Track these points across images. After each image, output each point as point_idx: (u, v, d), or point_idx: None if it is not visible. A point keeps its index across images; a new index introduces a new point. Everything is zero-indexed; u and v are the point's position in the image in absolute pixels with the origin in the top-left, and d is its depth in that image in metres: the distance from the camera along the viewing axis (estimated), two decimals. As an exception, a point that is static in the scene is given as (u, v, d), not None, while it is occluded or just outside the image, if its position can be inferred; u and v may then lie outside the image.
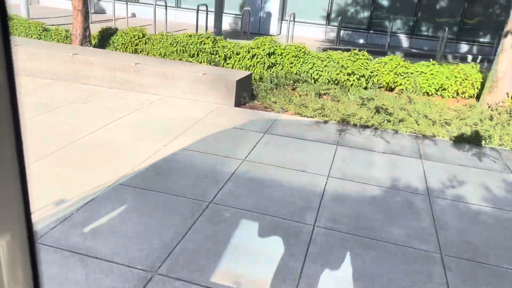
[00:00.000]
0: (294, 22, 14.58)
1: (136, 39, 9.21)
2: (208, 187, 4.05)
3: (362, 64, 8.22)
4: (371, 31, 16.90)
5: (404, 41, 16.45)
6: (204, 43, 8.86)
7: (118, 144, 4.89)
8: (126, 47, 9.17)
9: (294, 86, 7.98)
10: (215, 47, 8.83)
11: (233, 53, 8.72)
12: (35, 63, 7.46)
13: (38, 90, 6.77)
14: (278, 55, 8.54)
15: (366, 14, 16.99)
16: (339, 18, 14.56)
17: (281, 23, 17.90)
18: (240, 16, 17.74)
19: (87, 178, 4.03)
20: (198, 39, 8.90)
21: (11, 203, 0.66)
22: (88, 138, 4.99)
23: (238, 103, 6.86)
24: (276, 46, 8.57)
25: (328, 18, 17.28)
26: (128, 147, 4.83)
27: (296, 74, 8.36)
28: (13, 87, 0.64)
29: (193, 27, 15.40)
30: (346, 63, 8.19)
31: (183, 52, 8.85)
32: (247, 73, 7.39)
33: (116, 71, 7.13)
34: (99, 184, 3.91)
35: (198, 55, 8.83)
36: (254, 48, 8.56)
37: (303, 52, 8.51)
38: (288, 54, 8.50)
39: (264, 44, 8.55)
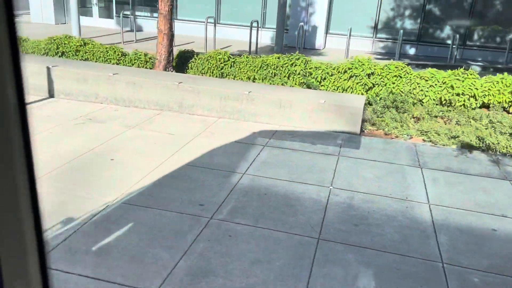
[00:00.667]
0: (350, 36, 14.15)
1: (221, 63, 8.82)
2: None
3: (471, 83, 7.77)
4: (422, 42, 16.47)
5: (469, 53, 15.83)
6: (295, 65, 8.46)
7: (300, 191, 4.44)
8: (212, 71, 8.79)
9: (403, 109, 7.53)
10: (307, 69, 8.43)
11: (327, 74, 8.30)
12: (134, 91, 7.07)
13: (148, 122, 6.36)
14: (378, 75, 8.11)
15: (416, 24, 16.56)
16: (401, 31, 14.14)
17: (326, 36, 17.52)
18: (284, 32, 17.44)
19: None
20: (289, 60, 8.51)
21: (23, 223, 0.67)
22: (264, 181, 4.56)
23: (360, 130, 6.42)
24: (375, 66, 8.15)
25: (375, 29, 16.87)
26: (306, 194, 4.38)
27: (398, 95, 7.91)
28: (23, 107, 0.66)
29: (237, 43, 15.08)
30: (455, 83, 7.74)
31: (274, 75, 8.45)
32: (363, 97, 6.96)
33: (228, 100, 6.71)
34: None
35: (289, 77, 8.43)
36: (351, 68, 8.14)
37: (405, 71, 8.08)
38: (388, 74, 8.07)
39: (363, 64, 8.13)
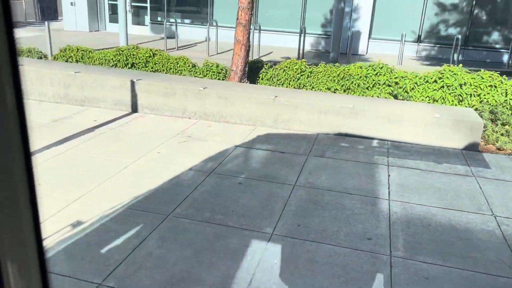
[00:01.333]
0: (404, 42, 13.68)
1: (298, 73, 8.47)
2: None
3: None
4: (470, 47, 15.96)
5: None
6: (379, 74, 8.07)
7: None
8: (289, 82, 8.43)
9: (504, 121, 7.09)
10: (392, 78, 8.03)
11: (415, 84, 7.90)
12: (225, 106, 6.73)
13: (250, 139, 6.01)
14: (470, 85, 7.69)
15: (462, 29, 16.04)
16: (456, 37, 13.66)
17: (368, 42, 17.09)
18: (324, 36, 17.08)
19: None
20: (372, 70, 8.12)
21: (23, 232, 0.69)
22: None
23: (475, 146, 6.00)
24: (467, 76, 7.73)
25: (419, 34, 16.39)
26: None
27: (494, 106, 7.48)
28: (22, 110, 0.68)
29: (277, 50, 14.74)
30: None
31: (357, 85, 8.06)
32: (470, 110, 6.55)
33: (328, 114, 6.35)
34: None
35: (373, 87, 8.04)
36: (442, 78, 7.73)
37: (499, 81, 7.65)
38: (482, 84, 7.65)
39: (455, 74, 7.72)
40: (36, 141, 5.60)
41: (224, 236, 3.64)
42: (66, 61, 9.12)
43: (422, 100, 7.86)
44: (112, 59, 8.96)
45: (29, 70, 7.53)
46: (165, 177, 4.74)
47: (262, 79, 8.96)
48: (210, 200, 4.25)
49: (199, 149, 5.60)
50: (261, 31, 17.17)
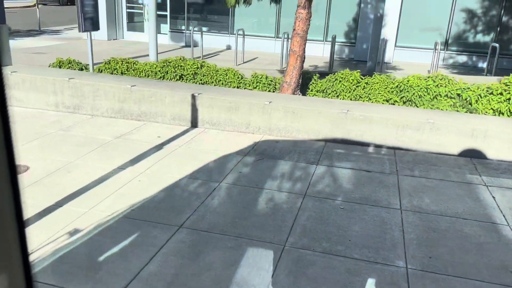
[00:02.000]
0: (438, 50, 13.40)
1: (353, 84, 8.21)
2: None
3: None
4: (500, 55, 15.69)
5: None
6: (440, 86, 7.81)
7: None
8: (345, 94, 8.17)
9: None
10: (454, 90, 7.76)
11: (479, 96, 7.63)
12: (292, 121, 6.45)
13: (321, 156, 5.73)
14: (541, 96, 7.42)
15: (490, 37, 15.80)
16: (491, 45, 13.40)
17: (394, 49, 16.84)
18: (348, 45, 16.84)
19: None
20: (433, 81, 7.86)
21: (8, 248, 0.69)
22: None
23: None
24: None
25: (446, 42, 16.15)
26: None
27: None
28: (6, 115, 0.67)
29: (308, 59, 14.50)
30: None
31: (418, 97, 7.79)
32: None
33: (406, 129, 6.07)
34: None
35: (433, 99, 7.77)
36: (509, 90, 7.47)
37: None
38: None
39: (522, 85, 7.46)
40: (107, 160, 5.32)
41: (358, 271, 3.34)
42: (112, 73, 8.86)
43: (486, 112, 7.60)
44: (159, 71, 8.69)
45: (81, 83, 7.25)
46: (262, 201, 4.45)
47: (312, 90, 8.70)
48: (320, 228, 3.96)
49: (280, 169, 5.31)
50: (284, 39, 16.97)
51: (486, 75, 13.63)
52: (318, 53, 16.21)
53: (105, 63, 8.99)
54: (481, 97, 7.65)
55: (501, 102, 7.53)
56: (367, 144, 6.26)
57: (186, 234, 3.79)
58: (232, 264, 3.38)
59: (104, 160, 5.36)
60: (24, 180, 4.71)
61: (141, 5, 18.60)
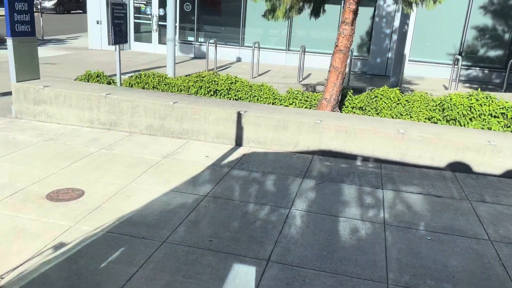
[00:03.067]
0: (459, 67, 13.30)
1: (393, 102, 8.03)
2: None
3: None
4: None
5: None
6: (483, 104, 7.65)
7: None
8: (385, 112, 7.98)
9: None
10: (497, 108, 7.61)
11: (529, 116, 7.48)
12: (345, 140, 6.23)
13: (381, 178, 5.49)
14: None
15: (505, 51, 15.82)
16: (511, 62, 13.36)
17: (408, 64, 16.78)
18: (361, 58, 16.76)
19: None
20: (476, 99, 7.70)
21: None
22: None
23: None
24: None
25: (459, 57, 16.13)
26: None
27: None
28: None
29: (315, 71, 14.36)
30: None
31: (462, 116, 7.63)
32: None
33: (466, 151, 5.87)
34: None
35: (476, 118, 7.61)
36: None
37: None
38: None
39: None
40: (163, 183, 5.02)
41: (479, 314, 3.10)
42: (143, 87, 8.57)
43: (532, 131, 7.45)
44: (192, 85, 8.43)
45: (119, 99, 6.96)
46: (343, 231, 4.19)
47: (347, 106, 8.50)
48: (416, 263, 3.71)
49: (346, 194, 5.06)
50: (292, 52, 16.84)
51: (504, 91, 13.59)
52: (324, 66, 16.12)
53: (136, 77, 8.71)
54: (525, 116, 7.50)
55: (547, 121, 7.39)
56: (425, 167, 6.04)
57: (278, 270, 3.51)
58: (340, 306, 3.11)
59: (160, 183, 5.06)
60: (83, 206, 4.40)
61: (149, 16, 18.37)
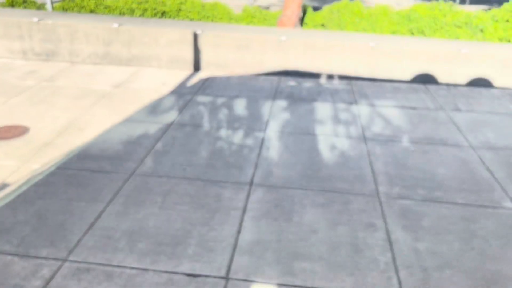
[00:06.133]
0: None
1: (357, 16, 7.61)
2: None
3: None
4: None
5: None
6: (446, 15, 7.44)
7: None
8: (346, 26, 7.57)
9: None
10: (460, 18, 7.44)
11: (486, 24, 7.38)
12: (313, 57, 5.83)
13: (355, 95, 5.24)
14: (543, 23, 7.29)
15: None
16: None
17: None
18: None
19: None
20: (439, 10, 7.46)
21: None
22: None
23: None
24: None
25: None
26: None
27: None
28: None
29: None
30: None
31: (428, 27, 7.38)
32: None
33: (437, 61, 5.67)
34: None
35: (441, 29, 7.42)
36: (516, 17, 7.26)
37: None
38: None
39: (529, 11, 7.27)
40: (120, 113, 4.46)
41: (473, 218, 2.99)
42: (79, 12, 7.55)
43: (492, 41, 7.40)
44: (137, 8, 7.52)
45: (55, 25, 6.04)
46: (324, 149, 3.93)
47: (308, 24, 8.01)
48: (404, 174, 3.54)
49: (321, 112, 4.77)
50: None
51: (460, 4, 13.52)
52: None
53: (69, 0, 7.62)
54: (488, 26, 7.41)
55: (507, 30, 7.34)
56: (396, 81, 5.83)
57: (264, 192, 3.21)
58: (336, 224, 2.89)
59: (116, 114, 4.49)
60: (30, 143, 3.80)
61: None
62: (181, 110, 4.69)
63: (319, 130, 4.31)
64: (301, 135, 4.19)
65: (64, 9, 7.61)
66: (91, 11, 7.62)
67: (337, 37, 6.16)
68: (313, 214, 2.98)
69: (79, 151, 3.71)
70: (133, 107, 4.69)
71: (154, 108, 4.71)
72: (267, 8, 11.59)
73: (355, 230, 2.84)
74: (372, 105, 5.00)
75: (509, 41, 7.32)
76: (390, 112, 4.82)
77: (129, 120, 4.37)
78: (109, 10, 7.64)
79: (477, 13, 7.52)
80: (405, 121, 4.59)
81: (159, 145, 3.87)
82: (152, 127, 4.23)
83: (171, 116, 4.52)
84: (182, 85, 5.51)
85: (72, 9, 7.61)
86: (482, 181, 3.47)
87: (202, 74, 5.95)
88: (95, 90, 5.16)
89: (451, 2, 7.65)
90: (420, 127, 4.44)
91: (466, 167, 3.68)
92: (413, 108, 4.94)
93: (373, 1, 13.23)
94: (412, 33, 7.45)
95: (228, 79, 5.81)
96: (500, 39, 7.31)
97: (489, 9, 7.75)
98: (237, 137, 4.10)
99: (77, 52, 6.16)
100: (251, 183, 3.33)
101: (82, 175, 3.35)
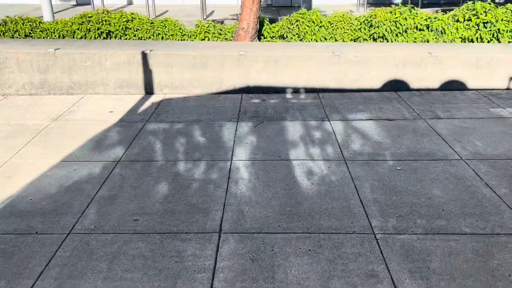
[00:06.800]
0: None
1: (316, 25, 7.21)
2: None
3: None
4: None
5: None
6: (407, 18, 7.18)
7: None
8: (305, 35, 7.15)
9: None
10: (421, 21, 7.20)
11: (449, 25, 7.17)
12: (275, 72, 5.33)
13: (320, 110, 4.76)
14: (502, 20, 7.18)
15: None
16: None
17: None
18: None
19: None
20: (400, 13, 7.19)
21: None
22: None
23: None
24: (497, 10, 7.19)
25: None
26: None
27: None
28: None
29: (218, 8, 13.21)
30: None
31: (389, 32, 7.08)
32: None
33: (406, 65, 5.31)
34: None
35: (404, 33, 7.14)
36: (477, 14, 7.09)
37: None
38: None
39: (489, 10, 7.13)
40: (59, 153, 3.76)
41: (488, 251, 2.52)
42: (12, 37, 6.74)
43: (454, 41, 7.21)
44: (78, 29, 6.80)
45: (-21, 53, 5.25)
46: (301, 177, 3.38)
47: (266, 37, 7.56)
48: (396, 200, 3.05)
49: (291, 132, 4.25)
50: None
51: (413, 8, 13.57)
52: (232, 2, 14.85)
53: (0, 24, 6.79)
54: (450, 26, 7.21)
55: (469, 28, 7.17)
56: (366, 90, 5.43)
57: (236, 242, 2.61)
58: (329, 278, 2.33)
59: (53, 153, 3.78)
60: None
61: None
62: (130, 142, 4.03)
63: (293, 154, 3.78)
64: (273, 161, 3.64)
65: (-6, 35, 6.78)
66: (27, 36, 6.83)
67: (299, 48, 5.70)
68: (300, 266, 2.42)
69: (2, 208, 2.98)
70: (74, 143, 4.00)
71: (98, 143, 4.03)
72: (221, 22, 11.13)
73: (354, 284, 2.29)
74: (345, 120, 4.53)
75: (471, 40, 7.15)
76: (366, 126, 4.37)
77: (68, 160, 3.67)
78: (47, 34, 6.88)
79: (436, 15, 7.32)
80: (384, 135, 4.14)
81: (104, 190, 3.20)
82: (96, 167, 3.55)
83: (119, 150, 3.86)
84: (132, 112, 4.85)
85: (3, 34, 6.79)
86: (484, 201, 3.03)
87: (154, 98, 5.32)
88: (29, 126, 4.42)
89: (409, 6, 7.43)
90: (402, 141, 4.00)
91: (462, 184, 3.24)
92: (390, 120, 4.51)
93: (328, 11, 13.04)
94: (374, 39, 7.14)
95: (184, 101, 5.21)
96: (463, 39, 7.13)
97: (443, 11, 7.59)
98: (199, 170, 3.50)
99: (8, 83, 5.38)
100: (219, 231, 2.73)
101: (4, 241, 2.64)
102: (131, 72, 5.34)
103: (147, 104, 5.10)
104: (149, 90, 5.45)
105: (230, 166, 3.57)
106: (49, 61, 5.29)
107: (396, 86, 5.41)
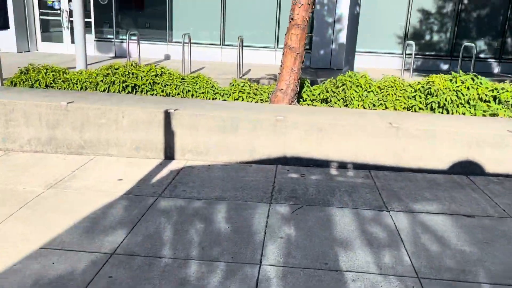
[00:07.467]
0: (413, 53, 12.25)
1: (365, 90, 6.41)
2: None
3: None
4: (455, 58, 15.04)
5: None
6: (471, 87, 6.27)
7: None
8: (351, 101, 6.34)
9: None
10: (485, 91, 6.27)
11: (519, 97, 6.20)
12: (318, 140, 4.46)
13: (380, 196, 3.79)
14: None
15: (448, 38, 15.14)
16: (464, 45, 12.49)
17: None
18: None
19: None
20: (461, 82, 6.30)
21: None
22: None
23: None
24: None
25: (404, 45, 15.22)
26: None
27: None
28: None
29: (255, 67, 12.77)
30: None
31: (450, 102, 6.17)
32: None
33: (482, 146, 4.33)
34: None
35: (466, 103, 6.22)
36: (554, 88, 6.12)
37: None
38: None
39: None
40: (40, 235, 2.91)
41: None
42: (32, 86, 6.25)
43: (527, 116, 6.19)
44: (102, 81, 6.25)
45: (-15, 102, 4.67)
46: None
47: (305, 100, 6.78)
48: None
49: (339, 225, 3.27)
50: (227, 47, 15.00)
51: (476, 76, 12.73)
52: (269, 61, 14.49)
53: (21, 72, 6.35)
54: (520, 99, 6.23)
55: (544, 103, 6.16)
56: (429, 171, 4.43)
57: None
58: None
59: (35, 234, 2.94)
60: None
61: (58, 11, 15.60)
62: (134, 225, 3.16)
63: (345, 260, 2.78)
64: (317, 270, 2.65)
65: (14, 84, 6.31)
66: (47, 86, 6.33)
67: (346, 115, 4.85)
68: None
69: None
70: (64, 222, 3.16)
71: (94, 223, 3.18)
72: (257, 81, 10.57)
73: None
74: (410, 212, 3.52)
75: (549, 116, 6.11)
76: (440, 223, 3.34)
77: (50, 248, 2.81)
78: (69, 84, 6.36)
79: (503, 85, 6.39)
80: (467, 239, 3.10)
81: (81, 304, 2.29)
82: (82, 261, 2.67)
83: (117, 237, 2.98)
84: (144, 181, 4.03)
85: (23, 83, 6.31)
86: None
87: (175, 164, 4.50)
88: (19, 192, 3.65)
89: (472, 74, 6.55)
90: (493, 252, 2.94)
91: None
92: (469, 216, 3.47)
93: (370, 76, 12.36)
94: (432, 109, 6.23)
95: (208, 170, 4.36)
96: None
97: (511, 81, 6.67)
98: (215, 278, 2.55)
99: (12, 137, 4.73)
100: None
101: None
102: (151, 132, 4.59)
103: (165, 172, 4.29)
104: (169, 154, 4.66)
105: (258, 275, 2.60)
106: (60, 116, 4.63)
107: (467, 168, 4.40)
